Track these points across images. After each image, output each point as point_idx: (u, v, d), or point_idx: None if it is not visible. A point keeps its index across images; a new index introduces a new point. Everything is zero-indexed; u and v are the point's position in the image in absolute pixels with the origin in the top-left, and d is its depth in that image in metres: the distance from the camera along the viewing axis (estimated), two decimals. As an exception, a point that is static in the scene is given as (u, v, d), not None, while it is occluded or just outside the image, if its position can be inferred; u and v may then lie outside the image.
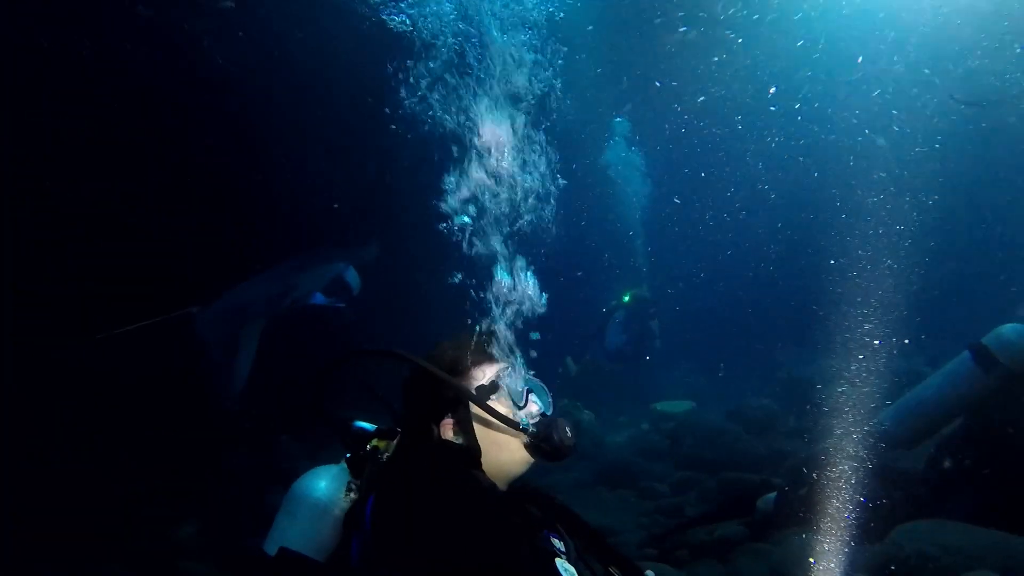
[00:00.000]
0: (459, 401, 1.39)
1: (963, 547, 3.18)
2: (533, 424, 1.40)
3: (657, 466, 6.05)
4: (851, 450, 3.83)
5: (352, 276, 5.81)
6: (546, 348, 1.52)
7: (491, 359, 1.45)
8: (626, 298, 9.20)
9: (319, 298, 5.56)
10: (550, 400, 1.51)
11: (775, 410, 7.09)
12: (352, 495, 1.36)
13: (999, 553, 3.04)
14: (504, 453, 1.40)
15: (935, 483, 3.70)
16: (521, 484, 1.49)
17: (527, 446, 1.40)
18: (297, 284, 5.53)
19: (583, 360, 10.32)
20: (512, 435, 1.39)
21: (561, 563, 1.31)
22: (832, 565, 3.26)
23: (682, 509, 5.05)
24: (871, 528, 3.47)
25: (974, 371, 3.84)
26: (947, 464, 3.81)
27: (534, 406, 1.46)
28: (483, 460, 1.38)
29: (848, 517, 3.50)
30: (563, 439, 1.38)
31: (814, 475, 3.90)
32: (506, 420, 1.36)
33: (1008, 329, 3.85)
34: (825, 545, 3.38)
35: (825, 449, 3.90)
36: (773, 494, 4.19)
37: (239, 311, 5.28)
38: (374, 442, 1.44)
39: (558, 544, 1.46)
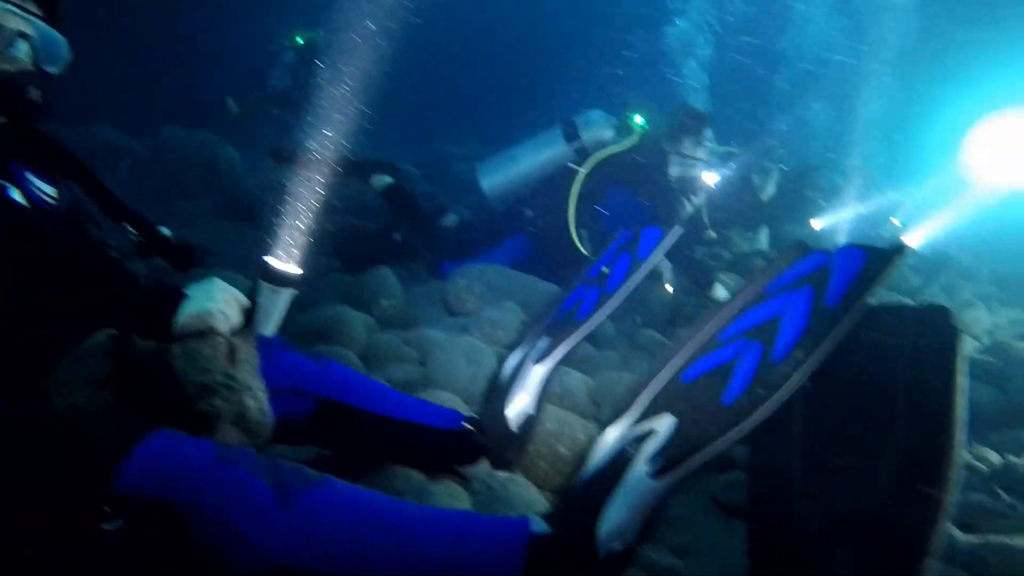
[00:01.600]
0: None
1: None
2: None
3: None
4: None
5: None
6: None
7: None
8: (299, 39, 8.60)
9: None
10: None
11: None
12: None
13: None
14: None
15: None
16: None
17: None
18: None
19: (246, 101, 9.64)
20: None
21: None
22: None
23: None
24: None
25: (560, 141, 4.35)
26: (528, 213, 4.34)
27: None
28: None
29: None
30: None
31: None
32: None
33: (595, 113, 4.38)
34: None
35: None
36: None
37: None
38: None
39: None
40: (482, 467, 1.94)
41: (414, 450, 1.90)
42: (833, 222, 5.06)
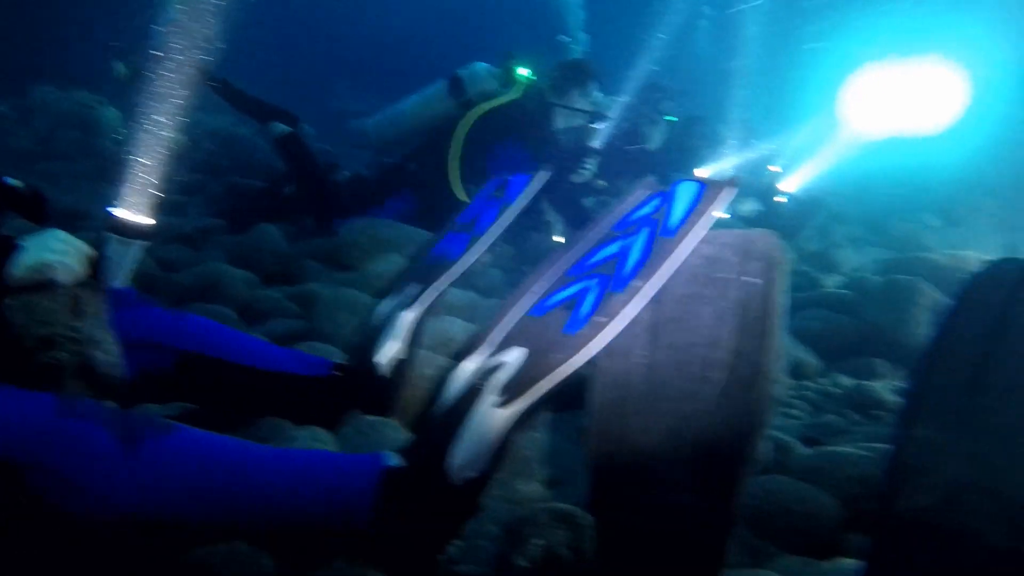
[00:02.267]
0: None
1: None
2: None
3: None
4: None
5: None
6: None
7: None
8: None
9: None
10: None
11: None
12: None
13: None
14: None
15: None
16: None
17: None
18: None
19: (131, 60, 9.15)
20: None
21: None
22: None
23: (185, 207, 5.01)
24: None
25: (445, 95, 4.33)
26: (413, 167, 4.32)
27: None
28: None
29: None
30: None
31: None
32: None
33: (479, 66, 4.38)
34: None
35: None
36: None
37: None
38: None
39: None
40: (352, 413, 1.96)
41: (281, 399, 1.90)
42: (717, 171, 5.24)
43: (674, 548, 1.42)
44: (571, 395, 2.47)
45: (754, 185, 5.23)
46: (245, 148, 5.96)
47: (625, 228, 1.64)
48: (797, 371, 3.18)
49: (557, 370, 1.41)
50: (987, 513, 1.40)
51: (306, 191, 4.32)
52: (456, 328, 2.67)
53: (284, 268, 3.49)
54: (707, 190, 1.53)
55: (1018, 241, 5.68)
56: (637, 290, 1.43)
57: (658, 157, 5.12)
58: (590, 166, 4.41)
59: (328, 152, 5.70)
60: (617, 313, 1.42)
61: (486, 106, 4.17)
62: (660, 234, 1.51)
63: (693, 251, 1.47)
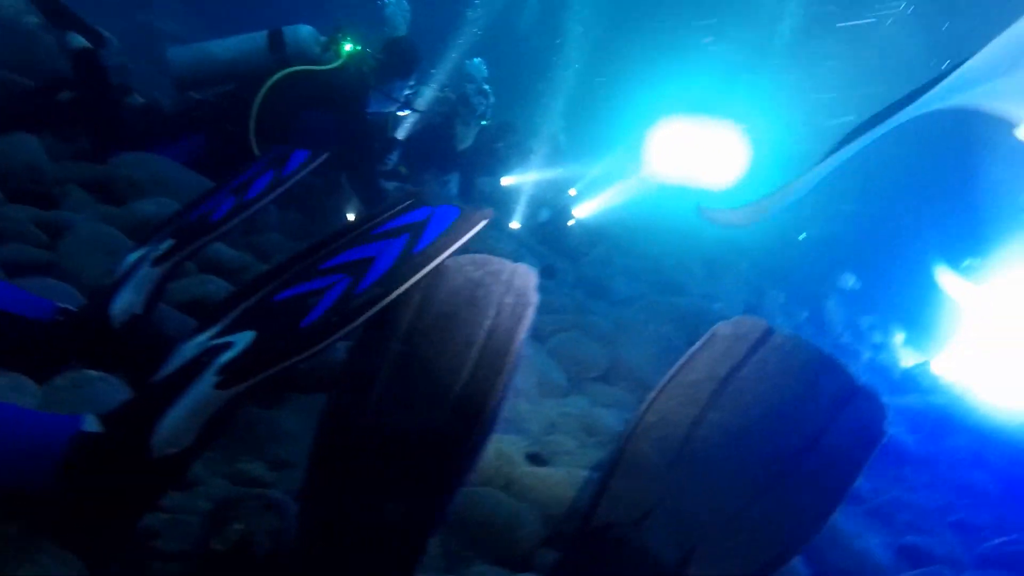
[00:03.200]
0: None
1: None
2: None
3: None
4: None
5: None
6: None
7: None
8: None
9: None
10: None
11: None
12: None
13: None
14: None
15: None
16: None
17: None
18: None
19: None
20: None
21: None
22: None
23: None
24: None
25: (263, 47, 4.16)
26: (211, 112, 4.09)
27: None
28: None
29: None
30: None
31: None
32: None
33: (305, 29, 4.26)
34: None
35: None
36: None
37: None
38: None
39: None
40: (73, 365, 1.85)
41: None
42: (520, 181, 5.46)
43: (373, 544, 1.49)
44: (317, 377, 2.49)
45: (550, 200, 5.52)
46: (28, 41, 5.32)
47: (384, 234, 1.69)
48: (544, 389, 3.40)
49: (280, 361, 1.43)
50: (667, 532, 1.64)
51: (88, 108, 3.94)
52: (211, 289, 2.59)
53: (39, 188, 3.18)
54: (462, 217, 1.63)
55: (761, 303, 6.44)
56: (375, 297, 1.49)
57: (465, 157, 5.23)
58: (393, 157, 4.43)
59: (125, 68, 5.23)
60: (350, 315, 1.47)
61: (301, 68, 4.05)
62: (412, 249, 1.58)
63: (462, 272, 1.57)
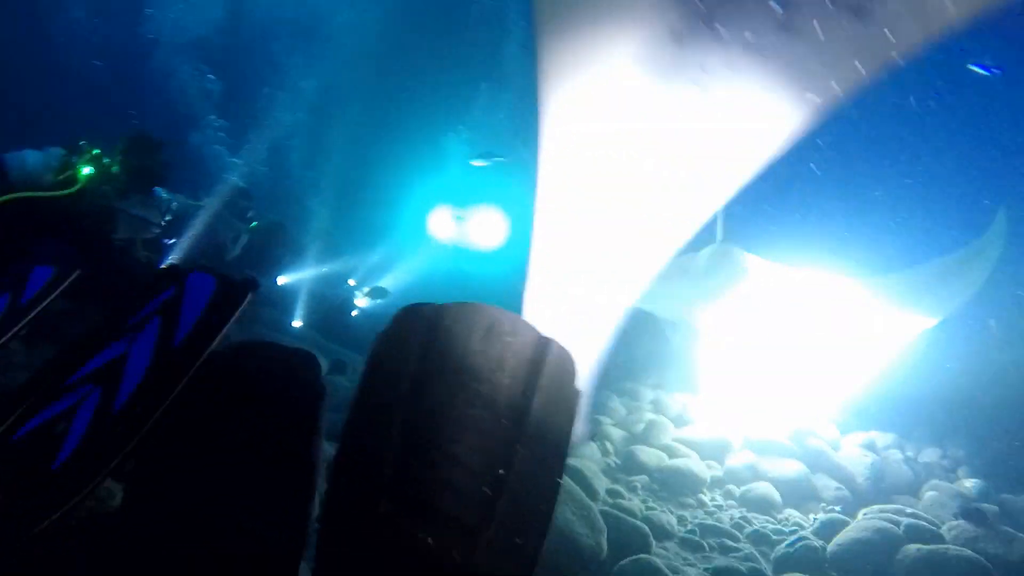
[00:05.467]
0: None
1: None
2: None
3: None
4: None
5: None
6: None
7: None
8: None
9: None
10: None
11: None
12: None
13: None
14: None
15: None
16: None
17: None
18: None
19: None
20: None
21: None
22: None
23: None
24: None
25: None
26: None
27: None
28: None
29: None
30: None
31: None
32: None
33: (31, 155, 3.91)
34: None
35: None
36: None
37: None
38: None
39: None
40: None
41: None
42: (297, 279, 5.29)
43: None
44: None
45: (329, 295, 5.44)
46: None
47: (137, 322, 1.45)
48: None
49: (37, 524, 1.16)
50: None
51: None
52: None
53: None
54: (221, 292, 1.39)
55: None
56: (135, 420, 1.25)
57: (237, 263, 4.98)
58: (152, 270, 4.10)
59: None
60: (107, 448, 1.23)
61: (25, 194, 3.64)
62: (169, 339, 1.37)
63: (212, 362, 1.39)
